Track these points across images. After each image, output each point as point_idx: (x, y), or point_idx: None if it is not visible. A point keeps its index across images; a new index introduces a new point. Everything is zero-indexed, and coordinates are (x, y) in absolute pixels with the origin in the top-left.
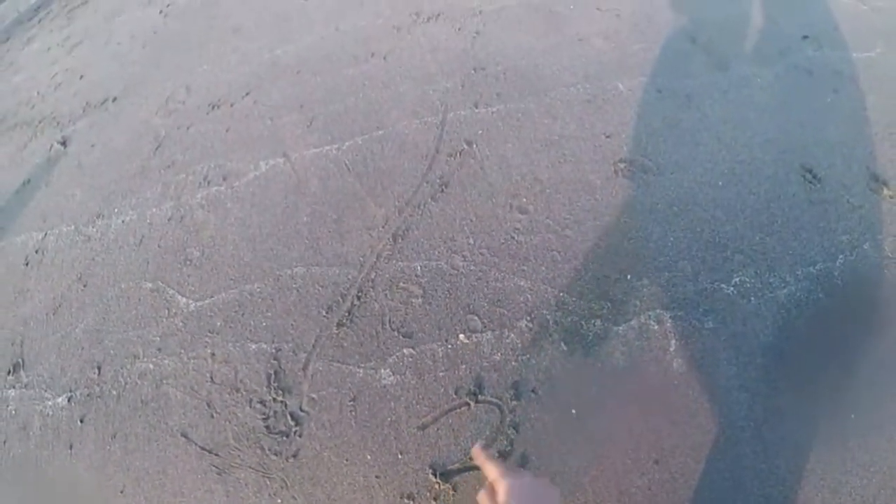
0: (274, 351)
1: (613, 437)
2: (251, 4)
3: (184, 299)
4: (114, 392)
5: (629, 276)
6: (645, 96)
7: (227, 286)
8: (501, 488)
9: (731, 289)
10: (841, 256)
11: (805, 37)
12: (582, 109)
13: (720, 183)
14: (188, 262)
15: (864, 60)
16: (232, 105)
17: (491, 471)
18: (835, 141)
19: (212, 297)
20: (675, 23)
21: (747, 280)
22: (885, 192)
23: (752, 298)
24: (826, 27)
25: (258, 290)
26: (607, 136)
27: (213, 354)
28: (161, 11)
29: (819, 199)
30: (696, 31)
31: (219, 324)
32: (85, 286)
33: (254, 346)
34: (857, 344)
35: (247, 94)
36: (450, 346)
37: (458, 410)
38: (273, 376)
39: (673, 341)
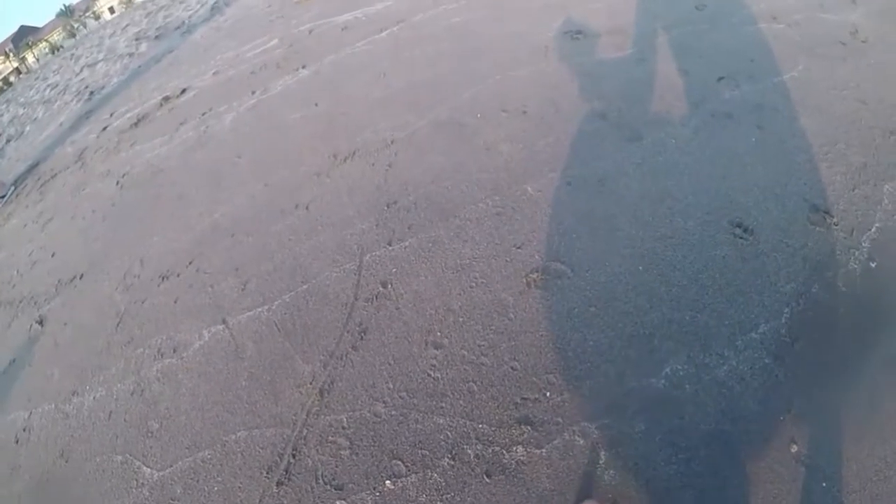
0: None
1: None
2: (192, 169)
3: (148, 469)
4: None
5: (548, 394)
6: (555, 193)
7: (183, 455)
8: None
9: (662, 382)
10: (786, 310)
11: (720, 78)
12: (491, 224)
13: (640, 268)
14: (150, 434)
15: (787, 83)
16: (178, 275)
17: None
18: (765, 183)
19: (171, 466)
20: (583, 103)
21: (679, 367)
22: (829, 220)
23: (687, 386)
24: (741, 61)
25: (209, 456)
26: (518, 248)
27: None
28: (118, 182)
29: (753, 253)
30: (604, 108)
31: (179, 491)
32: (67, 462)
33: None
34: (817, 406)
35: (190, 262)
36: (378, 494)
37: None
38: None
39: (602, 453)
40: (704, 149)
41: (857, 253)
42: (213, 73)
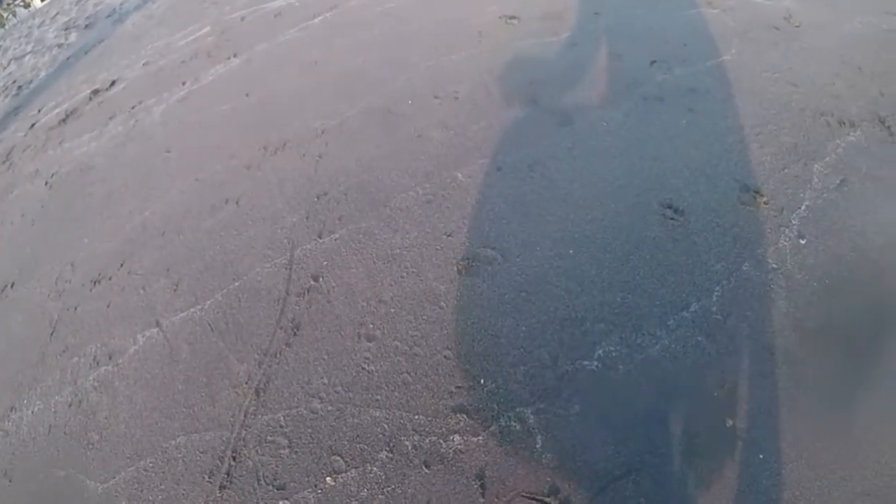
0: None
1: None
2: (122, 166)
3: (92, 483)
4: None
5: (482, 381)
6: (486, 179)
7: (125, 465)
8: None
9: (595, 363)
10: (717, 288)
11: (653, 62)
12: (422, 213)
13: (571, 251)
14: (90, 446)
15: (719, 67)
16: (110, 279)
17: None
18: (696, 165)
19: (114, 477)
20: (515, 88)
21: (612, 349)
22: (760, 200)
23: (621, 367)
24: (675, 45)
25: (150, 464)
26: (448, 236)
27: None
28: (47, 183)
29: (684, 234)
30: (537, 92)
31: (123, 503)
32: (11, 481)
33: None
34: (750, 380)
35: (122, 264)
36: (319, 492)
37: None
38: None
39: (539, 437)
40: (635, 132)
41: (786, 231)
42: (144, 64)
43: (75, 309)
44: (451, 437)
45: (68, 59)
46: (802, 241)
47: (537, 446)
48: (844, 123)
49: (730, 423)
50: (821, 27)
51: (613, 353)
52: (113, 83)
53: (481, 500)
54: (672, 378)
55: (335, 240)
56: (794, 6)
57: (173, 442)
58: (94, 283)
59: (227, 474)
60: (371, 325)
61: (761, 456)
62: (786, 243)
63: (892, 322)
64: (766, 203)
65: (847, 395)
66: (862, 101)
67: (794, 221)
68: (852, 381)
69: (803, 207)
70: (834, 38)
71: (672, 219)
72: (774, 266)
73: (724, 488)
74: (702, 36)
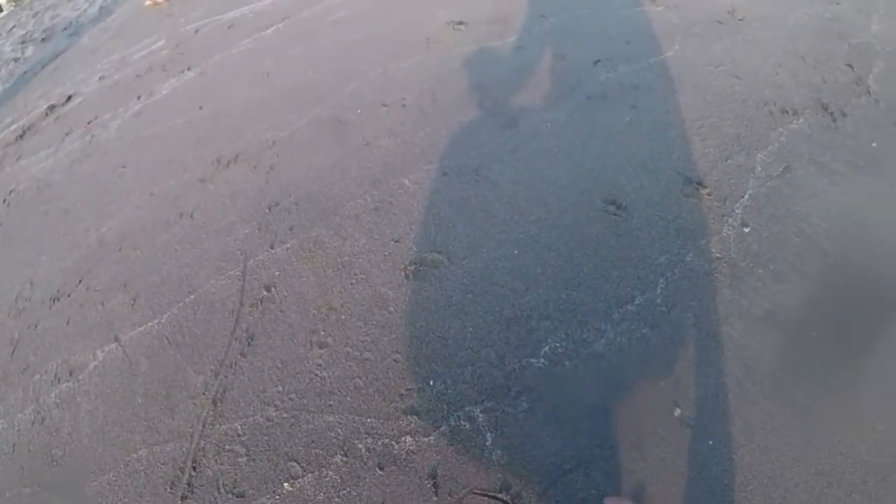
0: None
1: None
2: (79, 182)
3: (56, 499)
4: None
5: (432, 382)
6: (432, 185)
7: (88, 480)
8: None
9: (542, 360)
10: (661, 280)
11: (597, 61)
12: (370, 220)
13: (516, 252)
14: (54, 463)
15: (663, 63)
16: (69, 295)
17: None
18: (638, 160)
19: (79, 492)
20: (461, 93)
21: (558, 345)
22: (703, 191)
23: (567, 362)
24: (619, 43)
25: (113, 478)
26: (396, 241)
27: None
28: (4, 200)
29: (627, 229)
30: (482, 96)
31: None
32: None
33: None
34: (696, 369)
35: (80, 280)
36: (277, 497)
37: None
38: None
39: (488, 435)
40: (579, 131)
41: (730, 220)
42: (100, 78)
43: (35, 326)
44: (403, 439)
45: (25, 73)
46: (746, 230)
47: (487, 444)
48: (787, 112)
49: (678, 411)
50: (764, 19)
51: (559, 350)
52: (69, 98)
53: (434, 498)
54: (618, 371)
55: (286, 250)
56: (738, 1)
57: (135, 455)
58: (54, 300)
59: (188, 484)
60: (322, 332)
61: (710, 442)
62: (729, 232)
63: (837, 303)
64: (709, 194)
65: (795, 379)
66: (805, 89)
67: (737, 210)
68: (801, 365)
69: (747, 196)
70: (777, 30)
71: (615, 215)
72: (718, 255)
73: (675, 475)
74: (646, 34)
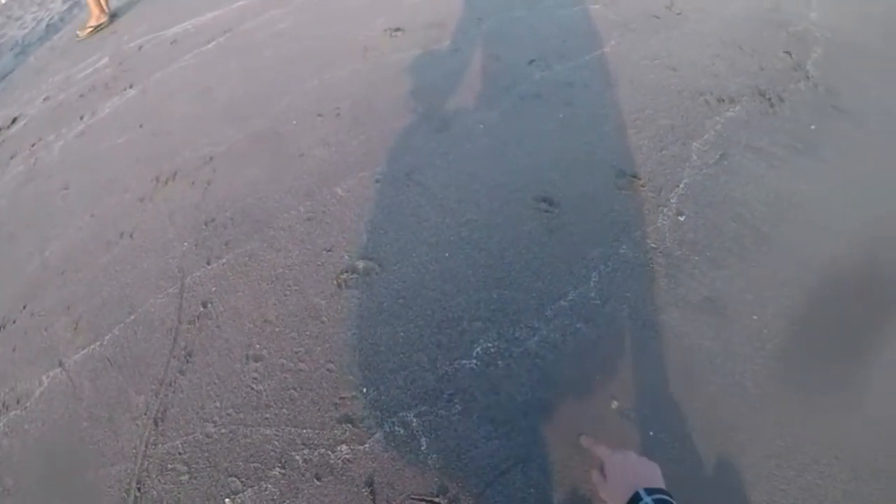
0: None
1: None
2: (22, 206)
3: None
4: None
5: (365, 390)
6: (364, 192)
7: None
8: (610, 463)
9: (474, 361)
10: (594, 274)
11: (532, 61)
12: (303, 231)
13: (447, 254)
14: (6, 492)
15: (598, 60)
16: (14, 322)
17: (600, 450)
18: (571, 156)
19: None
20: (396, 100)
21: (490, 345)
22: (637, 183)
23: (500, 362)
24: (555, 42)
25: None
26: (328, 251)
27: None
28: None
29: (559, 224)
30: (416, 102)
31: None
32: None
33: None
34: (632, 360)
35: (24, 306)
36: None
37: None
38: None
39: (423, 439)
40: (511, 130)
41: (665, 210)
42: (44, 99)
43: None
44: (339, 448)
45: None
46: (681, 218)
47: (422, 448)
48: (724, 100)
49: (616, 404)
50: (702, 12)
51: (492, 350)
52: (14, 120)
53: None
54: (553, 367)
55: (222, 265)
56: None
57: (83, 480)
58: (0, 327)
59: None
60: (258, 346)
61: (651, 433)
62: (664, 222)
63: (777, 284)
64: (643, 185)
65: (736, 364)
66: (742, 77)
67: (672, 200)
68: (741, 349)
69: (682, 185)
70: (715, 22)
71: (547, 211)
72: (653, 245)
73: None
74: (582, 31)
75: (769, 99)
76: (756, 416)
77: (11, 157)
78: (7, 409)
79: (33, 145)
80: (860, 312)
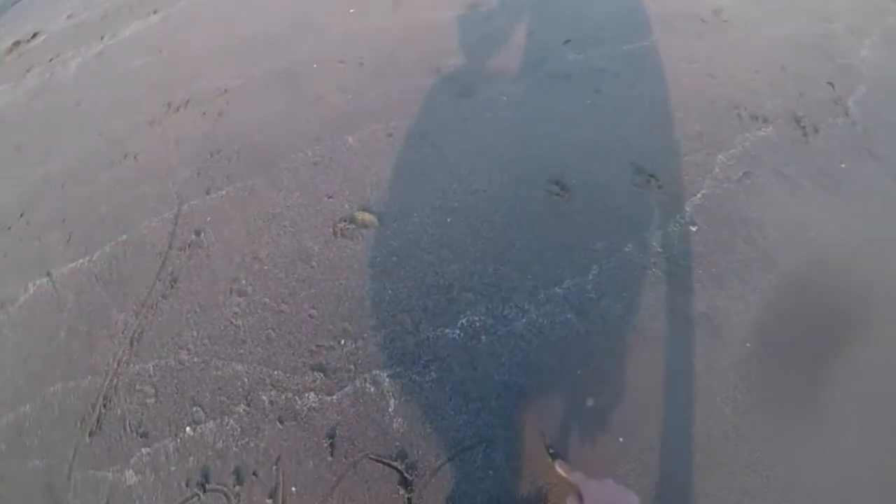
0: (45, 466)
1: None
2: (32, 118)
3: None
4: None
5: (343, 342)
6: (375, 145)
7: (7, 410)
8: (586, 492)
9: (457, 332)
10: (595, 267)
11: (567, 41)
12: (307, 174)
13: (448, 220)
14: None
15: (636, 52)
16: (9, 228)
17: (576, 477)
18: (592, 144)
19: None
20: (421, 58)
21: (476, 319)
22: (654, 183)
23: (483, 337)
24: (593, 27)
25: (29, 410)
26: (329, 197)
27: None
28: None
29: (567, 210)
30: (442, 63)
31: (4, 448)
32: None
33: (29, 464)
34: (617, 362)
35: (21, 214)
36: (179, 440)
37: (190, 503)
38: (46, 490)
39: (392, 401)
40: (535, 107)
41: (678, 216)
42: (67, 17)
43: None
44: (307, 395)
45: None
46: (693, 228)
47: (389, 410)
48: (758, 118)
49: (591, 402)
50: (750, 24)
51: (477, 323)
52: (35, 35)
53: (329, 458)
54: (535, 353)
55: (221, 196)
56: (727, 2)
57: (52, 388)
58: None
59: (98, 421)
60: (244, 281)
61: (621, 440)
62: (675, 229)
63: (777, 317)
64: (660, 187)
65: (722, 389)
66: (780, 98)
67: (687, 208)
68: (727, 374)
69: (699, 195)
70: (761, 37)
71: (558, 195)
72: (660, 250)
73: (579, 466)
74: (624, 21)
75: (804, 127)
76: (729, 444)
77: (28, 71)
78: None
79: (51, 60)
80: (859, 364)
